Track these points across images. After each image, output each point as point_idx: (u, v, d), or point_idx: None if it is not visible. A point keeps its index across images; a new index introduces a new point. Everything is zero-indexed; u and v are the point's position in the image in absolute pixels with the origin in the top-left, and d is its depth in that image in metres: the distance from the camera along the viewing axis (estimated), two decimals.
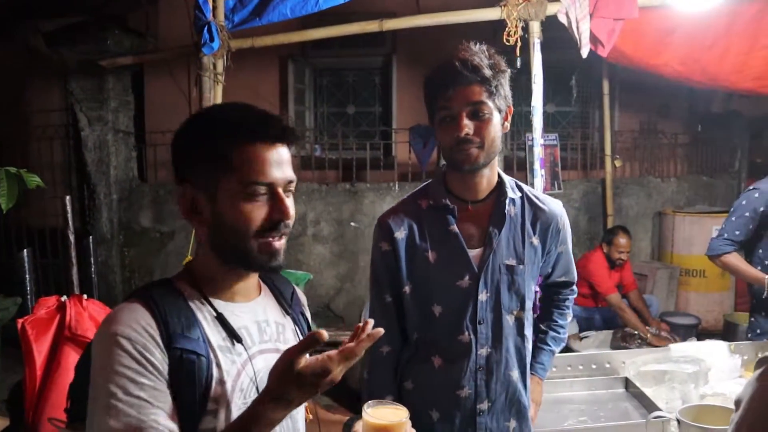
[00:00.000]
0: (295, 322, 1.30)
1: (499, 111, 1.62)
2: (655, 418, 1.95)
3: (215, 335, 1.12)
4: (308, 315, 1.38)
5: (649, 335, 4.48)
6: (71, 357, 2.18)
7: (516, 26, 3.44)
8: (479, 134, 1.57)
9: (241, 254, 1.11)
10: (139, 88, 6.27)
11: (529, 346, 1.80)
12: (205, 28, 3.60)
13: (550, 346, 1.96)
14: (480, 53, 1.60)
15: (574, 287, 2.01)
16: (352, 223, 5.73)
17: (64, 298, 2.33)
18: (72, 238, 2.61)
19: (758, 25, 3.73)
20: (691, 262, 5.78)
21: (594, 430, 2.05)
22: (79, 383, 1.59)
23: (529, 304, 1.74)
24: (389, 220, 1.72)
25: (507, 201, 1.69)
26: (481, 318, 1.68)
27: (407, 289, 1.71)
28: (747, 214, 2.85)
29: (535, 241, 1.74)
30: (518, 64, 3.59)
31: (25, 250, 2.60)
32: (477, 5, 3.81)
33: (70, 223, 2.62)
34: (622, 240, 4.93)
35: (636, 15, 3.41)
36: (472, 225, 1.70)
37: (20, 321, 2.22)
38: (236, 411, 1.09)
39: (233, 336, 1.13)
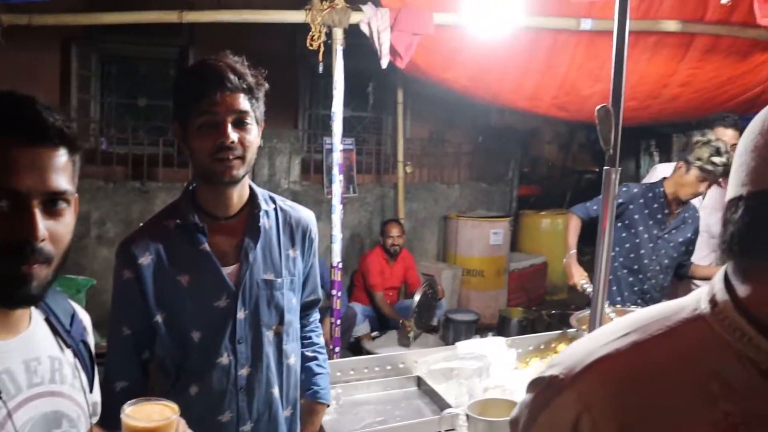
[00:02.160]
0: (75, 354, 1.12)
1: (257, 123, 1.57)
2: (447, 414, 2.07)
3: None
4: (91, 341, 1.20)
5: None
6: None
7: (320, 31, 3.47)
8: (242, 144, 1.51)
9: None
10: None
11: (292, 361, 1.75)
12: None
13: (324, 368, 1.92)
14: (241, 64, 1.55)
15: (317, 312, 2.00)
16: (142, 225, 5.38)
17: None
18: None
19: (532, 53, 4.17)
20: (472, 262, 6.28)
21: (390, 430, 2.12)
22: None
23: (288, 318, 1.70)
24: (131, 245, 1.57)
25: (261, 214, 1.64)
26: (240, 337, 1.60)
27: (159, 318, 1.57)
28: None
29: (292, 252, 1.71)
30: (320, 68, 3.63)
31: None
32: (281, 5, 3.78)
33: None
34: (393, 229, 5.36)
35: (432, 31, 3.62)
36: (226, 241, 1.61)
37: None
38: None
39: None
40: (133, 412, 1.04)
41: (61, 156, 0.96)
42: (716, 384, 0.64)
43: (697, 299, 0.71)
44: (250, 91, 1.53)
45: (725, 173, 3.03)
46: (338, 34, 3.54)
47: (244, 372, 1.62)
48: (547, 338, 2.89)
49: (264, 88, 1.58)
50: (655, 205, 3.26)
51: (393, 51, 3.65)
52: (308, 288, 1.83)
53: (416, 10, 3.61)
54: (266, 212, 1.67)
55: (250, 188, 1.67)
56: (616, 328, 0.73)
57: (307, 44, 3.50)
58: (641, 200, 3.29)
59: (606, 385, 0.67)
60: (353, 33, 3.65)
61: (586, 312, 2.71)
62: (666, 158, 6.67)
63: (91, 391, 1.13)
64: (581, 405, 0.67)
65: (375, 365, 2.58)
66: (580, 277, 3.16)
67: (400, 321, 4.77)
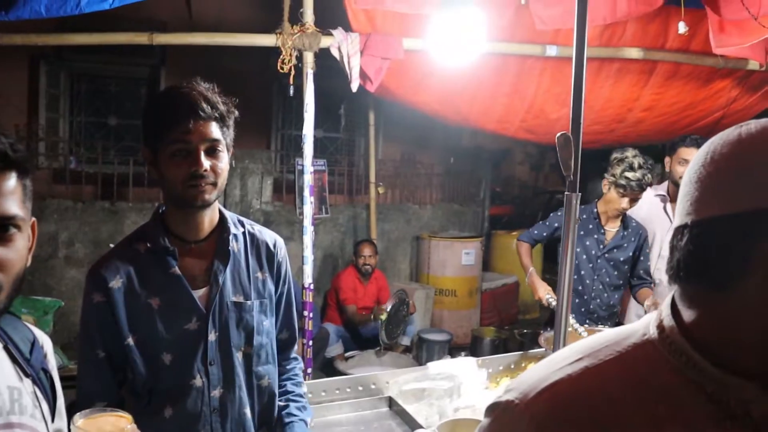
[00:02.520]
0: (35, 382, 1.08)
1: (228, 150, 1.61)
2: None
3: None
4: (53, 367, 1.17)
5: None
6: None
7: (290, 55, 3.50)
8: (214, 171, 1.54)
9: None
10: None
11: (264, 383, 1.75)
12: None
13: (298, 415, 1.82)
14: (212, 91, 1.59)
15: (297, 355, 1.95)
16: (112, 245, 5.31)
17: None
18: None
19: (500, 77, 4.26)
20: (444, 282, 6.31)
21: None
22: None
23: (258, 340, 1.71)
24: (101, 269, 1.58)
25: (230, 237, 1.66)
26: (211, 359, 1.62)
27: (131, 340, 1.58)
28: (548, 223, 3.44)
29: (261, 275, 1.73)
30: (291, 91, 3.66)
31: None
32: (253, 26, 3.81)
33: None
34: (365, 249, 5.43)
35: (402, 56, 3.68)
36: (196, 265, 1.64)
37: None
38: None
39: None
40: (84, 425, 0.98)
41: (9, 180, 0.93)
42: (663, 407, 0.67)
43: (646, 324, 0.75)
44: (221, 119, 1.56)
45: (641, 187, 3.15)
46: (309, 58, 3.58)
47: (216, 393, 1.64)
48: (517, 358, 2.92)
49: (234, 115, 1.61)
50: (591, 226, 3.35)
51: (363, 75, 3.70)
52: (282, 320, 1.82)
53: (386, 36, 3.68)
54: (235, 236, 1.69)
55: (220, 212, 1.70)
56: (569, 353, 0.76)
57: (278, 67, 3.53)
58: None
59: (558, 409, 0.70)
60: (325, 55, 3.69)
61: (552, 332, 2.75)
62: None
63: (53, 420, 1.11)
64: (535, 429, 0.70)
65: (347, 386, 2.58)
66: (545, 292, 3.23)
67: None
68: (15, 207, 0.93)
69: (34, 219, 1.03)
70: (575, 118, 1.65)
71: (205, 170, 1.51)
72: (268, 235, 1.79)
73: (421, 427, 2.20)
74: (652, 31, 3.96)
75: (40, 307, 4.15)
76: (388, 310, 4.77)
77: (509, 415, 0.73)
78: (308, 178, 3.65)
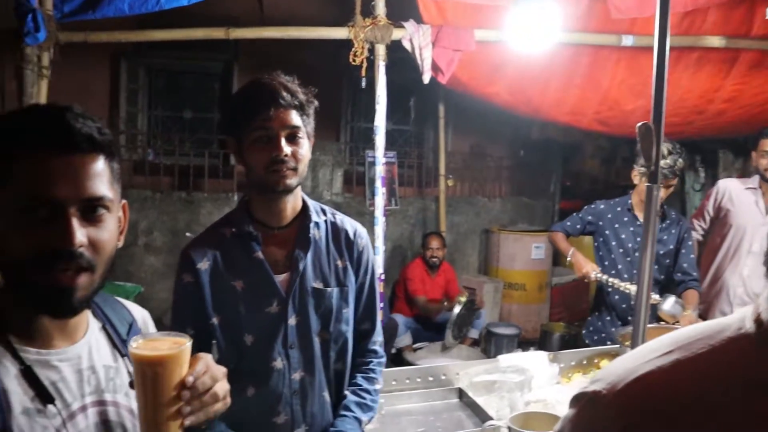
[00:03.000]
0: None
1: (308, 138, 1.66)
2: (489, 426, 2.08)
3: (20, 395, 0.92)
4: None
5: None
6: None
7: (362, 47, 3.53)
8: (295, 157, 1.60)
9: (22, 290, 0.92)
10: None
11: (342, 369, 1.79)
12: (29, 16, 3.28)
13: (353, 411, 1.77)
14: (293, 82, 1.64)
15: (379, 349, 1.90)
16: (188, 234, 5.51)
17: None
18: None
19: (573, 68, 4.16)
20: (513, 276, 6.24)
21: None
22: None
23: (337, 326, 1.74)
24: (191, 251, 1.68)
25: (311, 225, 1.71)
26: (291, 342, 1.68)
27: (215, 320, 1.67)
28: (581, 216, 3.38)
29: (341, 263, 1.76)
30: (363, 83, 3.70)
31: None
32: (324, 20, 3.86)
33: None
34: (433, 241, 5.40)
35: (473, 47, 3.65)
36: (278, 250, 1.70)
37: None
38: None
39: (44, 396, 0.94)
40: (140, 345, 0.97)
41: (96, 162, 0.96)
42: (762, 402, 0.65)
43: (741, 318, 0.72)
44: (301, 108, 1.62)
45: (673, 174, 3.01)
46: (380, 50, 3.60)
47: (297, 376, 1.70)
48: (590, 353, 2.86)
49: (314, 105, 1.67)
50: (625, 218, 3.23)
51: (435, 66, 3.69)
52: (363, 311, 1.84)
53: (457, 28, 3.65)
54: (317, 224, 1.74)
55: (303, 200, 1.75)
56: (658, 345, 0.74)
57: (350, 60, 3.56)
58: (609, 215, 3.27)
59: (648, 402, 0.68)
60: (395, 47, 3.70)
61: (629, 328, 2.69)
62: (713, 174, 6.53)
63: None
64: (623, 420, 0.68)
65: (417, 376, 2.59)
66: (591, 268, 3.15)
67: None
68: (104, 188, 0.96)
69: (124, 201, 1.06)
70: (657, 107, 1.60)
71: (286, 155, 1.57)
72: (349, 224, 1.82)
73: (491, 419, 2.19)
74: (736, 18, 3.78)
75: (121, 292, 4.35)
76: (463, 302, 4.73)
77: (595, 406, 0.72)
78: (380, 169, 3.68)
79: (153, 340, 0.97)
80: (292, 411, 1.70)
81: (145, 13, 3.47)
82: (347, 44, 3.63)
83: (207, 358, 1.00)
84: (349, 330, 1.79)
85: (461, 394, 2.52)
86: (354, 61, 3.58)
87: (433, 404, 2.48)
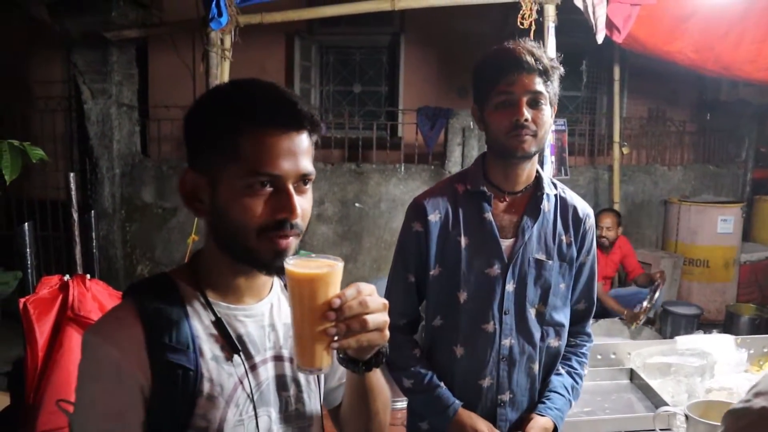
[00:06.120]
0: None
1: (551, 105, 1.63)
2: (664, 411, 1.94)
3: (211, 344, 1.04)
4: None
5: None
6: (74, 338, 2.14)
7: (531, 9, 3.39)
8: (536, 122, 1.58)
9: (242, 252, 1.03)
10: (143, 61, 6.20)
11: (553, 344, 1.75)
12: (213, 3, 3.55)
13: (570, 394, 1.77)
14: (537, 47, 1.62)
15: (591, 331, 1.88)
16: (357, 204, 5.71)
17: (67, 277, 2.27)
18: (75, 216, 2.55)
19: None
20: (694, 251, 5.78)
21: (599, 422, 2.04)
22: None
23: (553, 300, 1.72)
24: (424, 201, 1.72)
25: (543, 196, 1.70)
26: (507, 308, 1.68)
27: (435, 272, 1.71)
28: None
29: (566, 239, 1.73)
30: None
31: (25, 223, 2.52)
32: None
33: (74, 200, 2.56)
34: (604, 219, 4.96)
35: (654, 0, 3.35)
36: (506, 215, 1.70)
37: (22, 300, 2.17)
38: (229, 428, 1.03)
39: (231, 346, 1.05)
40: (295, 263, 0.99)
41: (307, 140, 1.05)
42: None
43: None
44: (545, 73, 1.59)
45: None
46: (550, 11, 3.44)
47: (507, 342, 1.70)
48: None
49: (559, 71, 1.64)
50: None
51: (609, 24, 3.45)
52: (581, 290, 1.80)
53: None
54: (548, 195, 1.72)
55: (537, 170, 1.73)
56: None
57: (518, 23, 3.43)
58: None
59: None
60: (566, 8, 3.52)
61: None
62: None
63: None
64: None
65: None
66: None
67: (624, 312, 4.51)
68: (311, 164, 1.05)
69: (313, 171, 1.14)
70: None
71: (527, 120, 1.57)
72: (579, 203, 1.79)
73: (666, 404, 2.04)
74: None
75: None
76: (652, 303, 4.42)
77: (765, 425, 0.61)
78: (549, 137, 3.53)
79: (308, 261, 1.00)
80: (498, 376, 1.71)
81: None
82: (515, 9, 3.51)
83: (360, 286, 0.98)
84: (565, 307, 1.76)
85: (632, 375, 2.39)
86: (522, 24, 3.45)
87: (601, 383, 2.37)
